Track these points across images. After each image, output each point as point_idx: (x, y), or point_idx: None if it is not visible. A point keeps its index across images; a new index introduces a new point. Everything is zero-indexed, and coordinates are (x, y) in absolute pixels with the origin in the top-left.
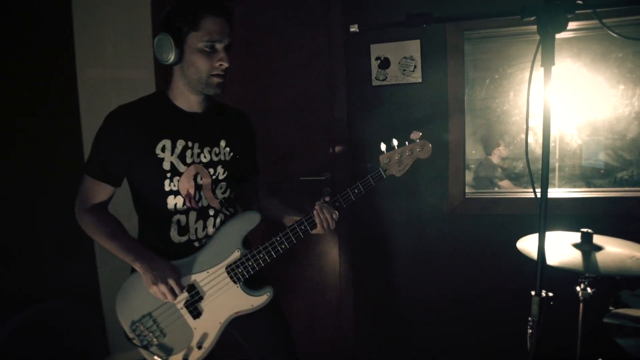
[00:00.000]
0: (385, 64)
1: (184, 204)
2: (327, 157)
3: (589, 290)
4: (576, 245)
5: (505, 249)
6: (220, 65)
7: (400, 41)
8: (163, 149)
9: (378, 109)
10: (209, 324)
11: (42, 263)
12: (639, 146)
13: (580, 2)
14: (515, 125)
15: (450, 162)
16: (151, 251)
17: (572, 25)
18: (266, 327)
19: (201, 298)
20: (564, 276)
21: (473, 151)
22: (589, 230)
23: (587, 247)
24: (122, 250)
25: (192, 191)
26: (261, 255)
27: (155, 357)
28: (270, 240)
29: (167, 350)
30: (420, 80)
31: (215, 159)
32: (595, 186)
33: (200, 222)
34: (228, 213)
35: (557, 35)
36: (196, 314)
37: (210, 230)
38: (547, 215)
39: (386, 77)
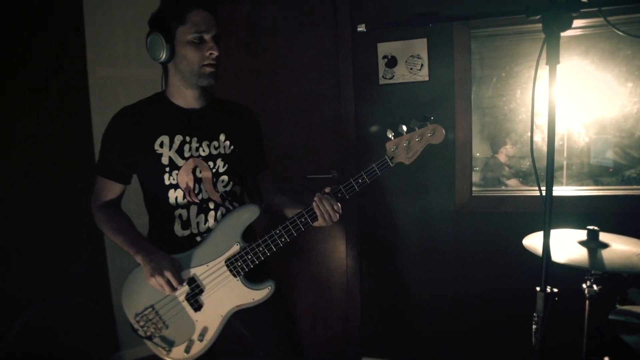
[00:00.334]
0: (392, 62)
1: (184, 197)
2: (334, 155)
3: (595, 287)
4: (582, 243)
5: (512, 247)
6: (211, 54)
7: (407, 40)
8: (161, 145)
9: (385, 107)
10: (210, 317)
11: (42, 263)
12: None
13: (585, 0)
14: (522, 124)
15: (457, 160)
16: (153, 245)
17: (579, 23)
18: (270, 321)
19: (202, 291)
20: (570, 273)
21: (479, 152)
22: (595, 228)
23: (593, 244)
24: (127, 244)
25: (191, 184)
26: (260, 249)
27: (159, 349)
28: (269, 233)
29: (170, 342)
30: (427, 78)
31: (214, 152)
32: (603, 184)
33: (202, 216)
34: (231, 207)
35: (565, 33)
36: (197, 306)
37: (212, 223)
38: (552, 213)
39: (393, 76)
